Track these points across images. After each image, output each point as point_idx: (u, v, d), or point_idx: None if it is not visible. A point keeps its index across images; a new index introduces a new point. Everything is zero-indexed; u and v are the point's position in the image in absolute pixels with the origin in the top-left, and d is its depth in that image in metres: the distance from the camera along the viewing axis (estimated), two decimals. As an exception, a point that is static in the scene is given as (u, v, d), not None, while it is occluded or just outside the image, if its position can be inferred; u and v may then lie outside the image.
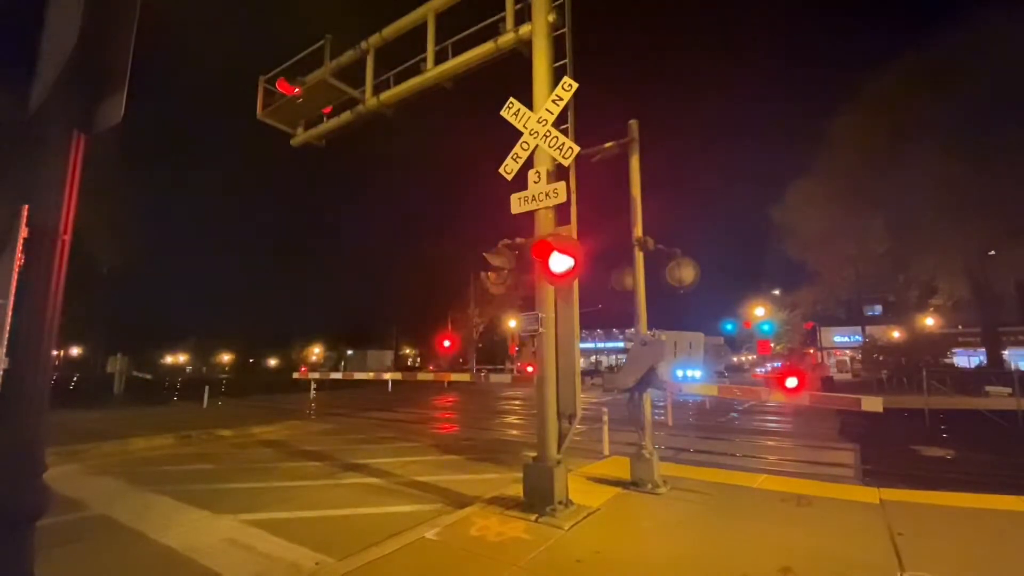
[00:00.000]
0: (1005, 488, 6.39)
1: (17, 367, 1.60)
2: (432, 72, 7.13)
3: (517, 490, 5.53)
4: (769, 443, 11.13)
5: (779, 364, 35.90)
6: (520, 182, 5.76)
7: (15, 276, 1.63)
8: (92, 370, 36.10)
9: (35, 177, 1.71)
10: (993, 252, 26.54)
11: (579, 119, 5.85)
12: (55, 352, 1.87)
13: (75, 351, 49.74)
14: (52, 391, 1.74)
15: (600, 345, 74.32)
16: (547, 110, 5.62)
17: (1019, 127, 22.49)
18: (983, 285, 27.91)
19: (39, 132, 1.74)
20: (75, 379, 26.99)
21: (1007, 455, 9.88)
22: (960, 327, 33.96)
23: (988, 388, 21.11)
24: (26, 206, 1.66)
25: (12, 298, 1.62)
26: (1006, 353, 30.27)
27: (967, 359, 34.67)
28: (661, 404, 14.22)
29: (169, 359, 66.51)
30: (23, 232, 1.65)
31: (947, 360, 32.12)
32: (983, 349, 30.48)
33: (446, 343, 37.65)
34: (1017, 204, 22.48)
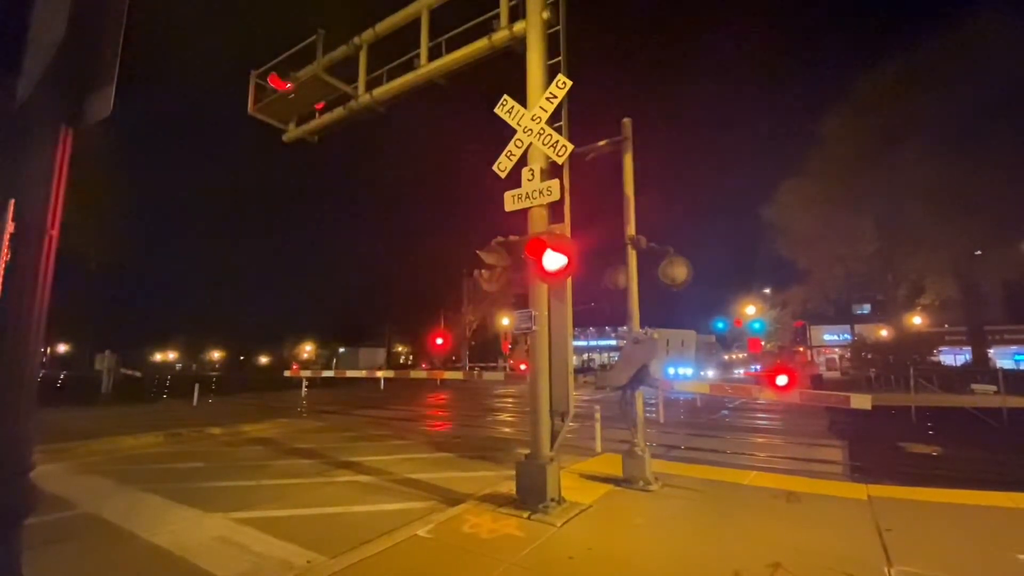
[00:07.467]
0: (990, 484, 6.50)
1: (3, 365, 1.57)
2: (425, 68, 7.11)
3: (510, 487, 5.54)
4: (759, 440, 11.23)
5: (759, 367, 36.03)
6: (514, 180, 5.75)
7: (0, 272, 1.60)
8: (80, 368, 35.67)
9: (22, 171, 1.68)
10: (980, 252, 26.95)
11: (573, 117, 5.87)
12: (42, 349, 1.84)
13: (62, 348, 49.17)
14: (38, 389, 1.72)
15: (593, 343, 74.44)
16: (541, 108, 5.61)
17: (1007, 127, 22.83)
18: (970, 285, 28.31)
19: (26, 125, 1.71)
20: (62, 377, 26.63)
21: (992, 452, 10.04)
22: (947, 326, 34.50)
23: (974, 386, 21.45)
24: (12, 201, 1.63)
25: (-2, 294, 1.60)
26: (991, 351, 30.76)
27: (953, 357, 35.21)
28: (653, 402, 14.30)
29: (158, 356, 65.91)
30: (9, 227, 1.62)
31: (934, 358, 32.59)
32: (969, 348, 30.94)
33: (439, 341, 37.60)
34: (1004, 205, 22.84)
